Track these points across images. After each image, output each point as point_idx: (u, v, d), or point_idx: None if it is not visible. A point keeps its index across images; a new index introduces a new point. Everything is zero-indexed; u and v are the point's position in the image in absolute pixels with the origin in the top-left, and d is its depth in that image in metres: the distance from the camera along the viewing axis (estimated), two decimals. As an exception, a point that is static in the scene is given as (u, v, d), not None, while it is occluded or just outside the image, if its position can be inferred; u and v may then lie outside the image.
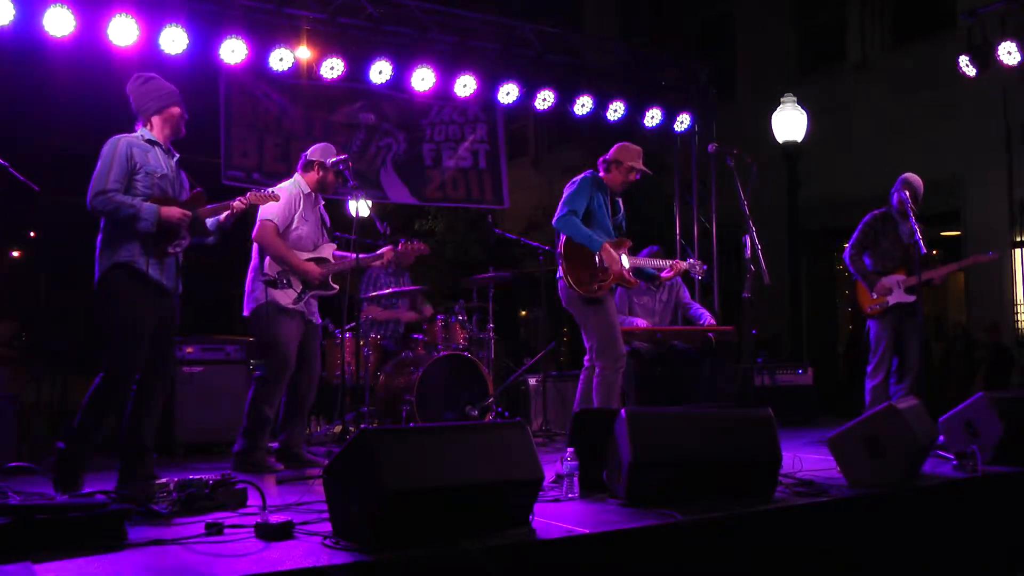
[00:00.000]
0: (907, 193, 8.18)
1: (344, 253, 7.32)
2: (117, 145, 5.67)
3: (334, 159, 7.13)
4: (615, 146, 7.51)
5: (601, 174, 7.48)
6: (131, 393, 5.70)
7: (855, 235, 8.66)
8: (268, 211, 6.93)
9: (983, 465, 6.05)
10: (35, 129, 5.62)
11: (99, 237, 5.71)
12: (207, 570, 3.58)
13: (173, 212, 5.67)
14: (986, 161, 14.68)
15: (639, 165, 7.42)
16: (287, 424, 7.08)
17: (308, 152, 7.24)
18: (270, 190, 6.37)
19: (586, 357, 7.36)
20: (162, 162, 5.83)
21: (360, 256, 7.22)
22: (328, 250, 7.17)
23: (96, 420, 5.57)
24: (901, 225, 8.49)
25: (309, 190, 7.17)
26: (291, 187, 7.14)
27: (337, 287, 7.15)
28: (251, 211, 6.51)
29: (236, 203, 6.09)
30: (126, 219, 5.56)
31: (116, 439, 5.75)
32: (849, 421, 5.85)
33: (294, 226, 7.04)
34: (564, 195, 7.38)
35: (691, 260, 7.73)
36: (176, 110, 5.95)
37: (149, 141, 5.82)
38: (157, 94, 5.92)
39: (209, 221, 6.06)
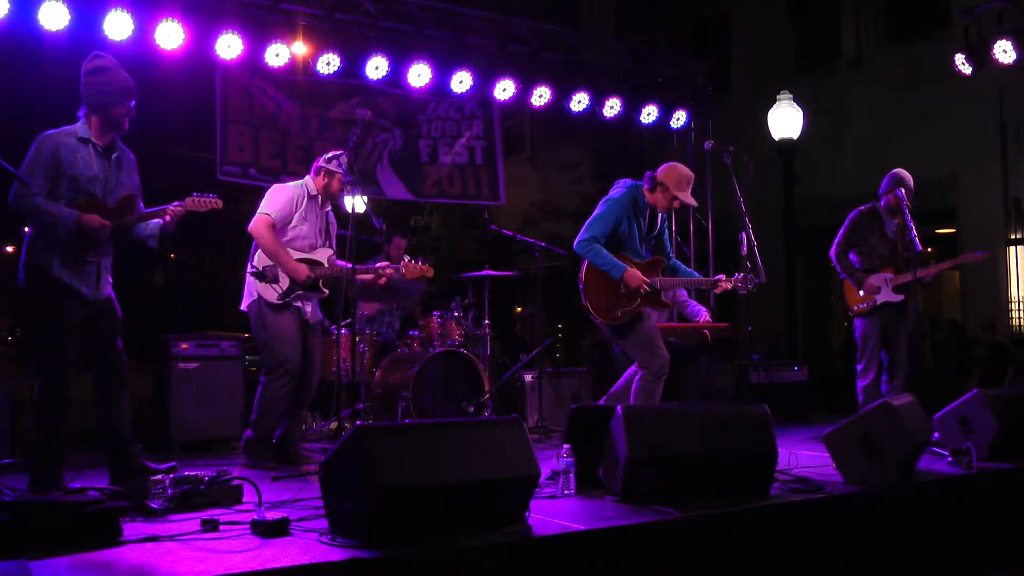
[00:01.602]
0: (902, 190, 8.16)
1: (345, 263, 7.27)
2: (43, 145, 5.50)
3: (329, 155, 7.13)
4: (665, 165, 7.10)
5: (645, 187, 7.04)
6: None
7: (841, 232, 8.58)
8: (268, 205, 6.98)
9: (978, 462, 6.06)
10: (28, 124, 5.59)
11: (26, 232, 5.59)
12: (203, 567, 3.58)
13: (94, 220, 5.49)
14: (981, 159, 14.70)
15: (686, 197, 6.99)
16: (284, 419, 7.07)
17: (322, 158, 7.25)
18: (212, 196, 6.09)
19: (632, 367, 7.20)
20: (93, 162, 5.62)
21: (356, 267, 7.16)
22: (324, 254, 7.14)
23: (50, 424, 5.46)
24: (887, 222, 8.48)
25: (316, 193, 7.17)
26: (297, 187, 7.16)
27: (327, 292, 7.15)
28: (243, 211, 6.46)
29: (170, 209, 5.86)
30: (44, 225, 5.44)
31: (101, 436, 5.71)
32: (845, 418, 5.86)
33: (293, 224, 7.05)
34: (592, 215, 7.02)
35: (738, 275, 7.06)
36: (121, 110, 5.70)
37: (82, 140, 5.61)
38: (105, 89, 5.69)
39: (151, 225, 5.91)
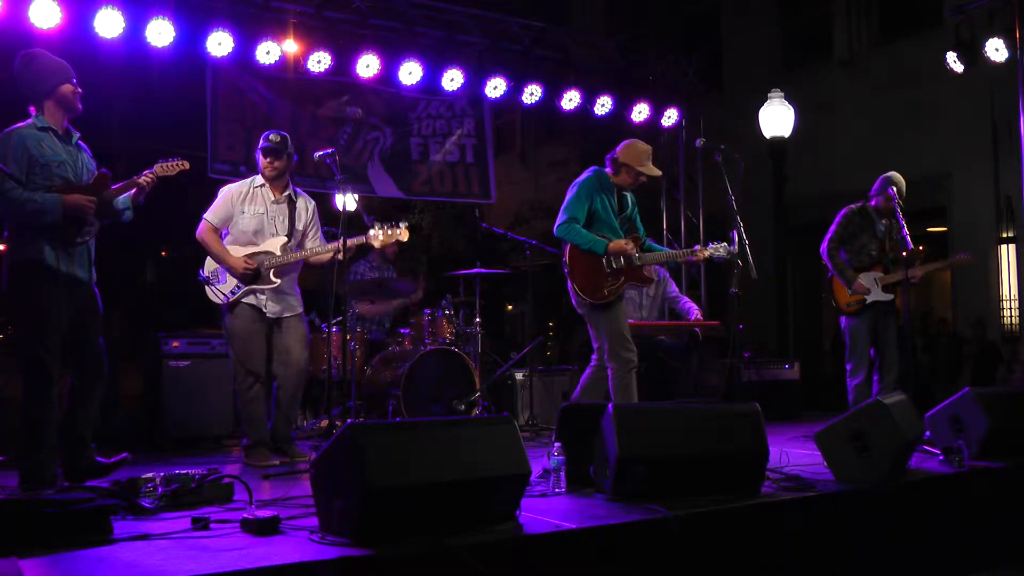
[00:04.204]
0: (894, 189, 8.18)
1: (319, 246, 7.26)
2: (9, 140, 5.49)
3: (320, 153, 7.08)
4: (622, 144, 7.28)
5: (608, 170, 7.26)
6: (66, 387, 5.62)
7: (833, 229, 8.59)
8: (208, 209, 7.03)
9: (969, 460, 6.07)
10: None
11: (4, 232, 5.57)
12: (194, 565, 3.56)
13: (77, 200, 5.50)
14: (973, 158, 14.72)
15: (648, 169, 7.19)
16: (272, 417, 7.06)
17: None
18: (178, 159, 6.09)
19: (593, 355, 7.28)
20: (58, 148, 5.64)
21: (315, 248, 7.16)
22: (276, 243, 7.05)
23: (39, 422, 5.46)
24: (877, 222, 8.51)
25: (262, 182, 7.13)
26: (241, 181, 7.18)
27: (279, 281, 7.01)
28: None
29: (142, 179, 5.87)
30: (30, 215, 5.41)
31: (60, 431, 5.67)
32: (836, 416, 5.86)
33: (234, 220, 7.05)
34: (565, 200, 7.17)
35: (712, 243, 7.23)
36: (68, 87, 5.70)
37: (41, 128, 5.61)
38: (45, 74, 5.67)
39: (120, 199, 5.88)
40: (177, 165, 6.05)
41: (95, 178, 5.77)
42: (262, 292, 7.00)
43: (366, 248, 9.90)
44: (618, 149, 7.27)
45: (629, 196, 7.42)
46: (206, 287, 6.98)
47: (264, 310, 7.01)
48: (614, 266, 7.05)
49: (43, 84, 5.67)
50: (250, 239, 7.03)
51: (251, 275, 6.94)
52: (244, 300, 6.96)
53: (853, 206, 8.59)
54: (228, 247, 7.01)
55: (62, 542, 3.88)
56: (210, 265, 7.02)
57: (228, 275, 6.95)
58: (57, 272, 5.50)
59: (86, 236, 5.69)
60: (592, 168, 7.31)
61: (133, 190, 5.89)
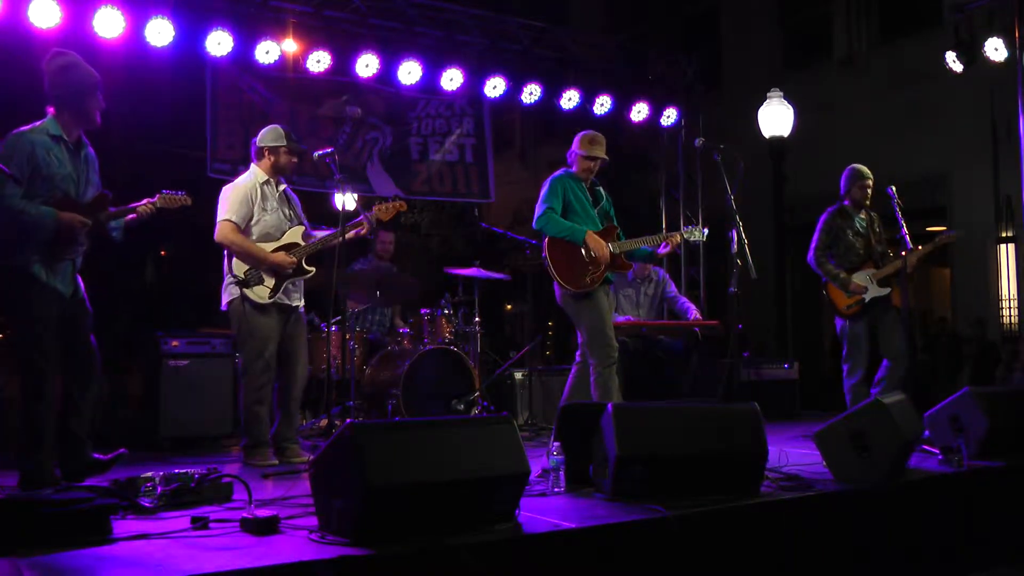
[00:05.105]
0: (892, 188, 8.15)
1: (316, 231, 7.23)
2: (19, 144, 5.46)
3: (319, 152, 7.06)
4: (576, 136, 7.44)
5: (573, 169, 7.39)
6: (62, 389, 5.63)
7: (816, 237, 8.58)
8: (226, 210, 6.88)
9: (968, 460, 6.07)
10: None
11: None
12: (193, 564, 3.56)
13: (72, 220, 5.49)
14: (973, 158, 14.71)
15: (591, 152, 7.29)
16: (276, 414, 7.03)
17: (256, 139, 7.14)
18: (182, 192, 6.08)
19: (577, 352, 7.31)
20: (65, 160, 5.61)
21: (332, 232, 7.12)
22: (296, 234, 7.04)
23: (36, 422, 5.47)
24: (856, 218, 8.52)
25: (266, 177, 7.05)
26: (246, 179, 7.05)
27: (314, 269, 7.05)
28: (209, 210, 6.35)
29: (141, 208, 5.88)
30: (25, 226, 5.40)
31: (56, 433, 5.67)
32: (834, 416, 5.86)
33: (255, 218, 6.94)
34: (539, 197, 7.29)
35: (686, 227, 7.57)
36: (93, 103, 5.70)
37: (54, 136, 5.58)
38: (78, 87, 5.65)
39: (113, 222, 5.89)
40: (180, 199, 6.05)
41: (94, 198, 5.75)
42: (295, 283, 7.01)
43: (366, 246, 9.92)
44: (573, 142, 7.43)
45: (602, 190, 7.53)
46: (243, 289, 6.81)
47: (289, 302, 6.99)
48: (593, 255, 7.11)
49: (74, 95, 5.65)
50: (272, 236, 6.97)
51: (293, 270, 6.93)
52: (280, 297, 6.94)
53: (831, 209, 8.64)
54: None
55: (62, 542, 3.88)
56: (241, 266, 6.87)
57: (266, 274, 6.88)
58: (44, 284, 5.50)
59: (74, 254, 5.69)
60: (559, 170, 7.43)
61: (129, 216, 5.90)
